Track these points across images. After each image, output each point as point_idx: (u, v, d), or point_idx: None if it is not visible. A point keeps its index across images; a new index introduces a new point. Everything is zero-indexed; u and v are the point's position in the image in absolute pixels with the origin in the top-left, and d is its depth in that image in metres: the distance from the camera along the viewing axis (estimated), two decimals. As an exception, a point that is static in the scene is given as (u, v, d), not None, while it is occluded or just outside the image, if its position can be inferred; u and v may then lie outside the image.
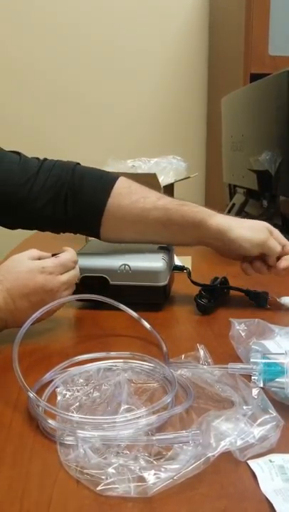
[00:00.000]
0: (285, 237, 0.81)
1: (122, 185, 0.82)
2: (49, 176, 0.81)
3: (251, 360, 0.53)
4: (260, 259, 0.80)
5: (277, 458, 0.41)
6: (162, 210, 0.78)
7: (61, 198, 0.81)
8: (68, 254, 0.69)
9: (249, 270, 0.81)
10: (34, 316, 0.59)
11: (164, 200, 0.80)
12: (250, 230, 0.77)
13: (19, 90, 2.08)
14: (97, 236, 0.83)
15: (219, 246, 0.79)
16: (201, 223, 0.77)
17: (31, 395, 0.48)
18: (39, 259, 0.67)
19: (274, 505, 0.36)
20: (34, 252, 0.68)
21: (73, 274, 0.69)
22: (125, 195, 0.80)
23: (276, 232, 0.80)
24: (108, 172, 0.86)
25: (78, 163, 0.86)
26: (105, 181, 0.82)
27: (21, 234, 1.37)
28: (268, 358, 0.53)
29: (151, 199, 0.80)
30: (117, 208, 0.80)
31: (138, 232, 0.81)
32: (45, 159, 0.85)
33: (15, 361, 0.51)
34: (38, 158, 0.85)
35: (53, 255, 0.68)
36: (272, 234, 0.79)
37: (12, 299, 0.63)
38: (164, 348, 0.60)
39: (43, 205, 0.80)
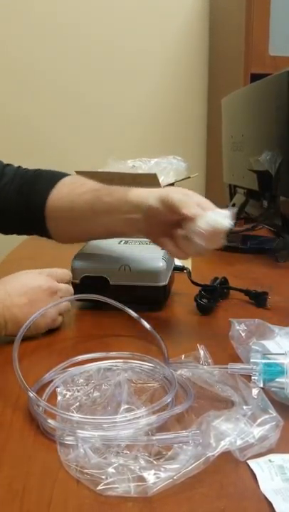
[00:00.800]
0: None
1: (69, 179, 0.83)
2: (12, 180, 0.84)
3: (251, 360, 0.53)
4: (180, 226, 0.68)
5: (277, 458, 0.41)
6: (93, 191, 0.78)
7: (12, 200, 0.83)
8: (64, 271, 0.74)
9: (170, 247, 0.70)
10: (35, 315, 0.59)
11: (99, 185, 0.79)
12: (165, 190, 0.71)
13: (19, 90, 2.08)
14: (48, 234, 0.84)
15: (142, 219, 0.71)
16: (124, 197, 0.73)
17: (31, 394, 0.48)
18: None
19: (273, 504, 0.36)
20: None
21: (68, 287, 0.73)
22: (67, 185, 0.81)
23: (196, 195, 0.70)
24: (67, 173, 0.86)
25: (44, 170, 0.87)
26: (56, 177, 0.83)
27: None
28: (268, 358, 0.53)
29: (87, 185, 0.79)
30: (56, 199, 0.81)
31: (73, 220, 0.79)
32: (7, 165, 0.87)
33: (15, 361, 0.51)
34: (4, 165, 0.87)
35: None
36: (188, 195, 0.69)
37: (10, 296, 0.65)
38: (164, 348, 0.60)
39: (4, 218, 0.84)
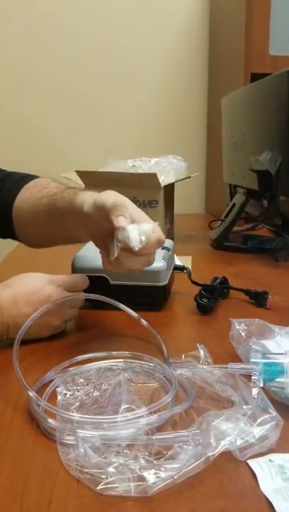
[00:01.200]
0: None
1: (33, 182, 0.81)
2: None
3: (251, 360, 0.53)
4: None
5: (277, 457, 0.42)
6: (51, 195, 0.75)
7: None
8: (81, 277, 0.70)
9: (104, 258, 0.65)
10: (33, 316, 0.58)
11: (59, 188, 0.76)
12: (100, 195, 0.64)
13: (19, 90, 2.08)
14: (17, 238, 0.83)
15: (88, 226, 0.67)
16: (72, 203, 0.69)
17: (31, 394, 0.48)
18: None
19: (274, 504, 0.36)
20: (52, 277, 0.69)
21: (79, 297, 0.69)
22: (31, 188, 0.80)
23: (130, 203, 0.63)
24: (36, 175, 0.85)
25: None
26: (22, 180, 0.82)
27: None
28: (268, 358, 0.53)
29: (48, 188, 0.77)
30: (20, 202, 0.80)
31: (36, 224, 0.78)
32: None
33: (15, 361, 0.51)
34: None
35: None
36: (123, 202, 0.62)
37: (16, 303, 0.63)
38: (164, 348, 0.60)
39: None
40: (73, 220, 0.69)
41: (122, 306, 0.63)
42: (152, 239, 0.59)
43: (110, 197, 0.62)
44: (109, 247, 0.62)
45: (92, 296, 0.64)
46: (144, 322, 0.63)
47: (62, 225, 0.72)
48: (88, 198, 0.66)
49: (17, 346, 0.54)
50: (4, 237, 0.86)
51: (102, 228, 0.63)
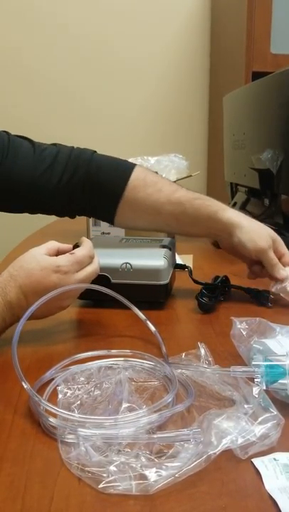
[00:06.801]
0: (287, 235, 0.81)
1: (137, 176, 0.84)
2: (66, 169, 0.83)
3: (253, 362, 0.53)
4: (260, 264, 0.81)
5: (282, 456, 0.41)
6: (176, 204, 0.81)
7: (78, 191, 0.83)
8: (84, 250, 0.66)
9: (249, 274, 0.84)
10: (32, 308, 0.57)
11: (179, 193, 0.83)
12: (257, 234, 0.80)
13: (19, 90, 2.08)
14: (111, 223, 0.87)
15: (225, 238, 0.81)
16: (213, 216, 0.80)
17: (32, 393, 0.48)
18: (58, 251, 0.66)
19: (279, 503, 0.36)
20: (53, 245, 0.66)
21: (90, 271, 0.66)
22: (141, 187, 0.83)
23: (279, 241, 0.82)
24: (124, 161, 0.88)
25: (95, 152, 0.88)
26: (122, 173, 0.84)
27: (21, 234, 1.38)
28: (270, 360, 0.53)
29: (165, 193, 0.82)
30: (132, 200, 0.83)
31: (151, 222, 0.85)
32: (59, 146, 0.87)
33: (15, 363, 0.51)
34: (53, 144, 0.88)
35: (74, 246, 0.67)
36: (275, 242, 0.81)
37: (25, 296, 0.62)
38: (164, 347, 0.60)
39: (60, 199, 0.84)
40: (207, 228, 0.82)
41: (128, 303, 0.63)
42: None
43: (268, 245, 0.79)
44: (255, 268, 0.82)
45: (103, 289, 0.63)
46: (145, 320, 0.63)
47: (187, 228, 0.83)
48: (243, 226, 0.79)
49: (17, 337, 0.53)
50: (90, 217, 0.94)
51: (248, 255, 0.80)
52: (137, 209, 0.83)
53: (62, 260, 0.64)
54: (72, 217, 0.90)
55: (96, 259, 0.68)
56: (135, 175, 0.84)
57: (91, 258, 0.67)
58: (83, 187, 0.83)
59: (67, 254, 0.65)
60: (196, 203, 0.81)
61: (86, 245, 0.67)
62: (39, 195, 0.83)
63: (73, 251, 0.66)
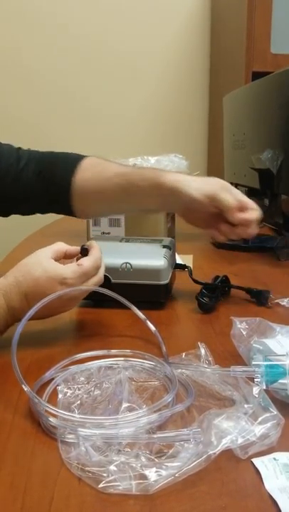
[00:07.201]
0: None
1: (89, 161, 0.87)
2: (29, 173, 0.87)
3: (253, 362, 0.53)
4: (226, 222, 0.77)
5: (282, 456, 0.41)
6: (122, 175, 0.82)
7: (40, 190, 0.87)
8: (91, 260, 0.65)
9: (216, 235, 0.79)
10: (31, 311, 0.57)
11: (125, 167, 0.85)
12: (203, 182, 0.77)
13: (19, 90, 2.08)
14: (72, 213, 0.89)
15: (178, 203, 0.77)
16: (157, 179, 0.78)
17: (32, 395, 0.48)
18: (65, 254, 0.66)
19: (279, 503, 0.36)
20: (60, 247, 0.66)
21: (95, 282, 0.65)
22: (89, 169, 0.86)
23: (234, 190, 0.77)
24: (82, 155, 0.90)
25: (52, 152, 0.92)
26: (74, 160, 0.87)
27: (21, 234, 1.38)
28: (270, 360, 0.53)
29: (111, 168, 0.84)
30: (81, 181, 0.85)
31: (104, 201, 0.85)
32: (19, 149, 0.91)
33: (14, 359, 0.51)
34: (17, 148, 0.91)
35: (82, 248, 0.67)
36: (228, 191, 0.76)
37: (28, 303, 0.61)
38: (164, 347, 0.60)
39: (27, 201, 0.88)
40: (157, 196, 0.79)
41: (128, 303, 0.63)
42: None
43: (218, 186, 0.75)
44: (213, 225, 0.78)
45: (105, 291, 0.64)
46: (145, 321, 0.63)
47: (138, 199, 0.82)
48: (188, 182, 0.76)
49: (17, 337, 0.53)
50: (52, 212, 0.93)
51: (204, 210, 0.76)
52: (88, 190, 0.85)
53: (69, 272, 0.62)
54: (29, 214, 0.93)
55: (102, 270, 0.67)
56: (87, 160, 0.87)
57: (97, 269, 0.66)
58: (37, 179, 0.87)
59: (75, 264, 0.64)
60: (140, 171, 0.83)
61: (94, 254, 0.66)
62: (10, 201, 0.88)
63: (81, 261, 0.64)
